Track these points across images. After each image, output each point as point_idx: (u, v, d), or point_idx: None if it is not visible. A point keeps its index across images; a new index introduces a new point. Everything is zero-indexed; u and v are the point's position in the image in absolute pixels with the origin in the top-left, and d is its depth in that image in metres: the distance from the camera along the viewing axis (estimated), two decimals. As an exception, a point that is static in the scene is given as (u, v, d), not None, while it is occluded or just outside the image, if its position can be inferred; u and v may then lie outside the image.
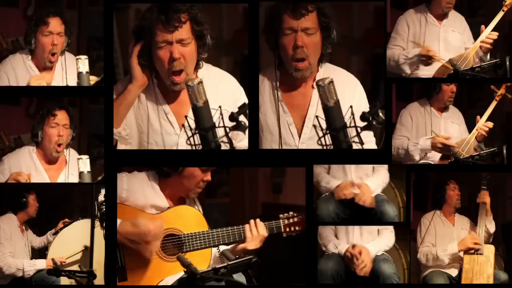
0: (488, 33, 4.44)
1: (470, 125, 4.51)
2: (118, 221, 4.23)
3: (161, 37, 4.13)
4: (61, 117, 4.42)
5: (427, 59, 4.44)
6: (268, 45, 4.27)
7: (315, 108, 4.27)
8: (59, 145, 4.41)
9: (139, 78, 4.20)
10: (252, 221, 4.27)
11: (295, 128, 4.31)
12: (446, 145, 4.45)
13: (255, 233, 4.25)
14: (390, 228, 4.44)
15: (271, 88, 4.33)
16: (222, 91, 4.23)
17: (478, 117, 4.48)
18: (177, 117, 4.25)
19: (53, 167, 4.43)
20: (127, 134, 4.26)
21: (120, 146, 4.28)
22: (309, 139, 4.30)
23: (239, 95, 4.28)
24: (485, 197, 4.49)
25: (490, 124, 4.47)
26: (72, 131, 4.44)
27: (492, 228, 4.49)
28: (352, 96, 4.22)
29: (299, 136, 4.32)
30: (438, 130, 4.51)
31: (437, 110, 4.53)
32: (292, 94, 4.31)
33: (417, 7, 4.50)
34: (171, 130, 4.26)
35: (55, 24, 4.37)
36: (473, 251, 4.47)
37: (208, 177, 4.28)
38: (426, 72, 4.48)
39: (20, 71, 4.39)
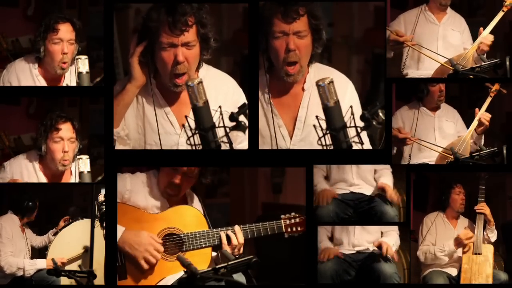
0: (485, 36, 4.44)
1: (469, 124, 4.51)
2: (122, 228, 4.22)
3: (166, 39, 4.11)
4: (66, 129, 4.37)
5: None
6: (258, 47, 4.26)
7: (306, 110, 4.27)
8: (64, 160, 4.37)
9: (139, 78, 4.19)
10: (229, 232, 4.27)
11: (285, 130, 4.31)
12: (399, 138, 4.45)
13: (235, 241, 4.25)
14: (396, 230, 4.45)
15: (261, 90, 4.32)
16: (222, 92, 4.23)
17: (476, 109, 4.48)
18: (177, 117, 4.25)
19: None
20: (126, 135, 4.26)
21: (119, 147, 4.28)
22: (300, 141, 4.30)
23: (239, 97, 4.27)
24: (483, 208, 4.48)
25: (488, 116, 4.47)
26: (78, 143, 4.41)
27: (493, 237, 4.49)
28: (343, 94, 4.20)
29: (291, 138, 4.31)
30: (432, 130, 4.51)
31: (430, 110, 4.54)
32: (282, 96, 4.30)
33: (417, 7, 4.50)
34: (171, 130, 4.25)
35: (65, 31, 4.33)
36: (468, 248, 4.47)
37: (177, 180, 4.25)
38: (425, 71, 4.48)
39: (25, 81, 4.37)
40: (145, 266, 4.19)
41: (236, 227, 4.27)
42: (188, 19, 4.10)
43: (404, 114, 4.51)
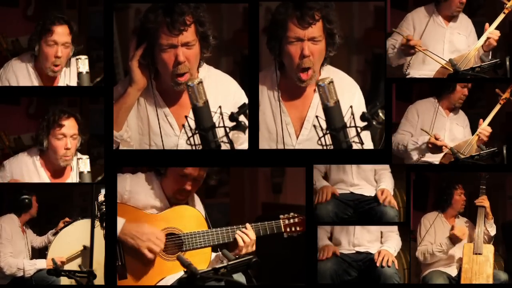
0: (491, 31, 4.44)
1: (471, 125, 4.51)
2: (122, 220, 4.23)
3: (165, 40, 4.11)
4: (69, 126, 4.36)
5: (434, 147, 4.44)
6: (270, 52, 4.24)
7: (315, 110, 4.27)
8: (66, 156, 4.36)
9: (139, 81, 4.19)
10: (239, 231, 4.28)
11: (292, 128, 4.31)
12: (437, 145, 4.45)
13: (247, 239, 4.25)
14: (396, 231, 4.45)
15: (270, 87, 4.33)
16: (223, 93, 4.23)
17: (481, 120, 4.48)
18: (177, 119, 4.25)
19: (59, 179, 4.42)
20: (129, 137, 4.26)
21: (122, 149, 4.29)
22: (307, 140, 4.30)
23: (240, 98, 4.27)
24: (484, 201, 4.49)
25: (489, 129, 4.47)
26: (80, 138, 4.39)
27: (493, 231, 4.49)
28: (351, 99, 4.21)
29: (297, 137, 4.31)
30: (443, 130, 4.51)
31: (445, 110, 4.53)
32: (291, 94, 4.30)
33: (426, 6, 4.49)
34: (170, 132, 4.26)
35: (61, 33, 4.32)
36: (461, 241, 4.48)
37: (188, 186, 4.26)
38: (427, 72, 4.48)
39: (23, 79, 4.36)
40: (149, 255, 4.18)
41: (248, 225, 4.28)
42: (186, 18, 4.10)
43: (419, 109, 4.51)
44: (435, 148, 4.46)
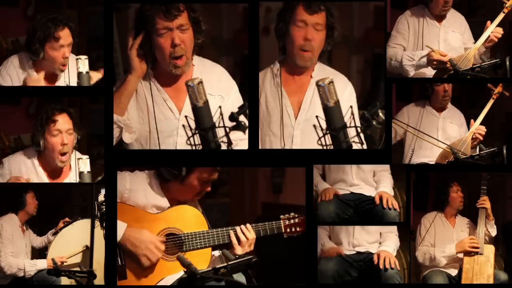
0: (494, 29, 4.44)
1: (469, 124, 4.52)
2: (124, 225, 4.23)
3: (161, 25, 4.20)
4: (63, 121, 4.37)
5: (438, 63, 4.45)
6: (276, 33, 4.34)
7: (312, 93, 4.33)
8: (63, 154, 4.37)
9: (138, 68, 4.26)
10: (238, 228, 4.28)
11: (292, 109, 4.36)
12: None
13: (243, 239, 4.26)
14: (394, 231, 4.45)
15: (272, 74, 4.38)
16: (214, 79, 4.30)
17: (472, 120, 4.48)
18: (176, 103, 4.29)
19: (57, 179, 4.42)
20: (132, 122, 4.30)
21: (125, 135, 4.30)
22: (305, 121, 4.33)
23: (231, 83, 4.35)
24: (485, 202, 4.48)
25: (484, 128, 4.47)
26: (76, 134, 4.41)
27: (493, 232, 4.49)
28: (342, 94, 4.23)
29: (296, 118, 4.34)
30: (435, 129, 4.51)
31: (435, 110, 4.54)
32: (290, 81, 4.37)
33: (415, 7, 4.50)
34: (170, 115, 4.29)
35: (64, 37, 4.31)
36: (472, 254, 4.48)
37: (208, 188, 4.30)
38: (427, 71, 4.49)
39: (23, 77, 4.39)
40: (146, 263, 4.20)
41: (248, 225, 4.28)
42: (180, 5, 4.22)
43: (410, 111, 4.51)
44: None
